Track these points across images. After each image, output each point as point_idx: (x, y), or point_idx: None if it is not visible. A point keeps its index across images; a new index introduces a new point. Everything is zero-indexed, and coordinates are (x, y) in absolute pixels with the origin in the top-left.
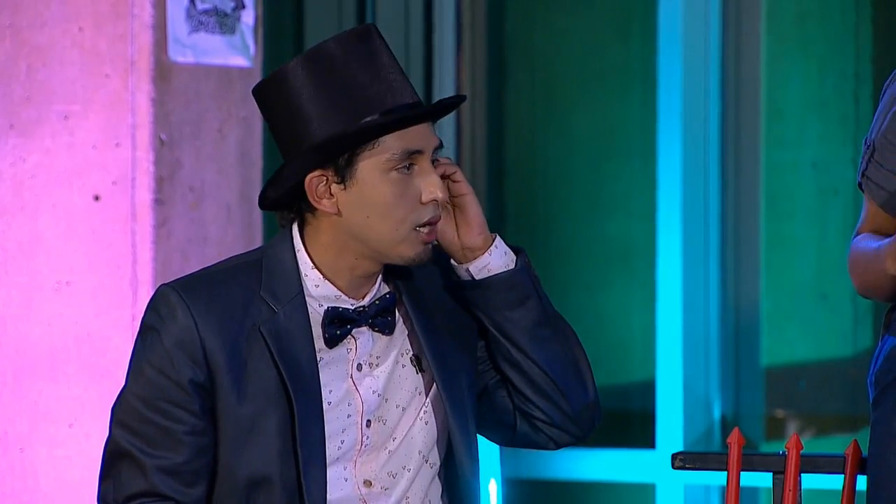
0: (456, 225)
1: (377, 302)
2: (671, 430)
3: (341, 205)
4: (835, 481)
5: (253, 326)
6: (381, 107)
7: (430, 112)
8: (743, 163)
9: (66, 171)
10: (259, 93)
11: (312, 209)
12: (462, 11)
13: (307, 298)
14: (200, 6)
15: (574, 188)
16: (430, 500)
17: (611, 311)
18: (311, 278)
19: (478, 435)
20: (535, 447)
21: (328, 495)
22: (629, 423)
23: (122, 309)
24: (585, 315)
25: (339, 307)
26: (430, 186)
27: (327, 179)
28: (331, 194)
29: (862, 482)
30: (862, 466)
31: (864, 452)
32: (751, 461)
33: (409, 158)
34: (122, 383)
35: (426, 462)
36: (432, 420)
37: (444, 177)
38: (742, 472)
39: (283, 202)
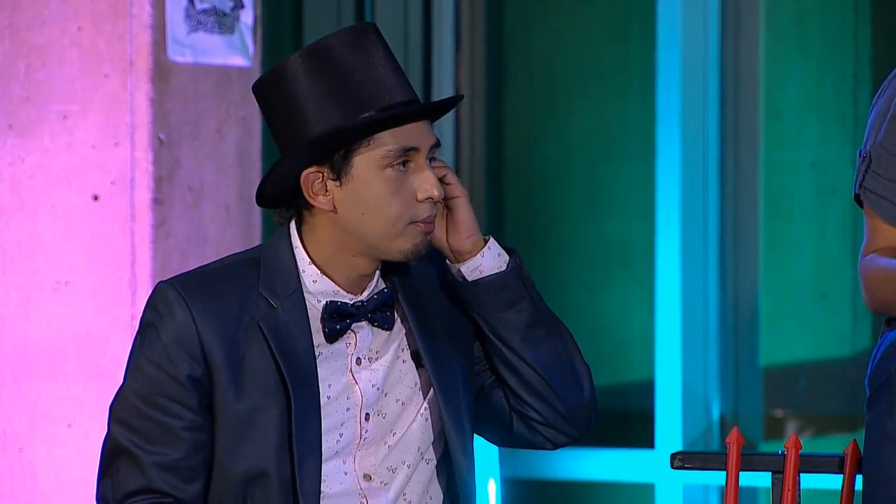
0: (446, 228)
1: (375, 297)
2: (670, 429)
3: (337, 201)
4: (834, 481)
5: (251, 321)
6: (378, 104)
7: (426, 110)
8: (742, 163)
9: (65, 171)
10: (258, 89)
11: (309, 206)
12: (461, 11)
13: (305, 294)
14: (199, 6)
15: (573, 188)
16: (429, 496)
17: (610, 311)
18: (309, 274)
19: (475, 435)
20: (533, 447)
21: (328, 489)
22: (628, 423)
23: (121, 309)
24: (584, 315)
25: (337, 301)
26: (425, 184)
27: (323, 176)
28: (326, 191)
29: (861, 482)
30: (861, 466)
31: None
32: (750, 461)
33: (405, 156)
34: (120, 383)
35: (423, 458)
36: (431, 417)
37: None
38: (741, 472)
39: (281, 199)
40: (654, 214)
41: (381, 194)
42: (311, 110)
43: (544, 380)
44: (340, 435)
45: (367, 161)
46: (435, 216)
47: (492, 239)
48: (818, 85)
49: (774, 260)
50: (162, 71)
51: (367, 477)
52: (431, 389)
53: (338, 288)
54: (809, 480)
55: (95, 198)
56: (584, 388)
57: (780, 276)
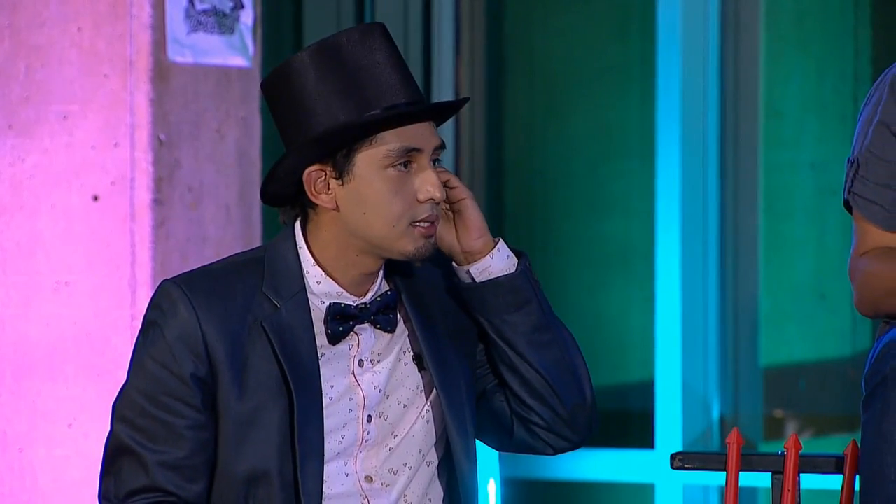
0: (456, 229)
1: (378, 299)
2: (670, 430)
3: (339, 200)
4: (833, 481)
5: (255, 321)
6: (383, 103)
7: (430, 110)
8: (742, 163)
9: (65, 171)
10: (266, 85)
11: (313, 205)
12: (461, 11)
13: (309, 295)
14: (199, 6)
15: (573, 188)
16: (429, 498)
17: (610, 312)
18: (313, 275)
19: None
20: (533, 452)
21: (330, 490)
22: (628, 424)
23: (121, 309)
24: (584, 315)
25: (341, 303)
26: (427, 185)
27: (326, 174)
28: (329, 189)
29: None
30: (858, 466)
31: None
32: (750, 461)
33: (407, 156)
34: (122, 383)
35: (424, 460)
36: (433, 419)
37: None
38: (741, 472)
39: (285, 197)
40: (653, 214)
41: (381, 193)
42: (315, 108)
43: (547, 383)
44: (342, 436)
45: (369, 160)
46: (437, 218)
47: (501, 241)
48: (818, 85)
49: (774, 260)
50: (162, 71)
51: (369, 478)
52: (433, 391)
53: (341, 289)
54: (809, 481)
55: (95, 198)
56: (586, 393)
57: (780, 276)
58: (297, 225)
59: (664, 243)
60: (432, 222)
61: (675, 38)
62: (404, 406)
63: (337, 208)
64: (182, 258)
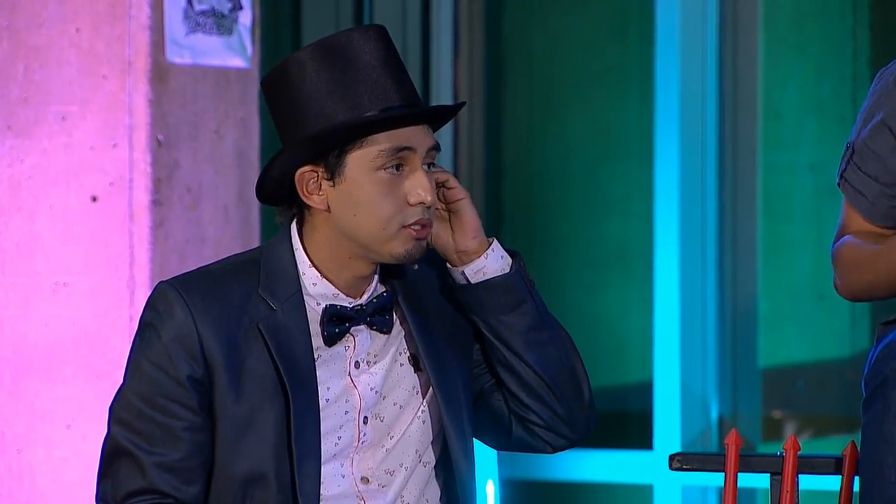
0: (451, 229)
1: (374, 300)
2: (669, 431)
3: (330, 201)
4: (832, 482)
5: (251, 323)
6: (378, 105)
7: (425, 113)
8: (740, 164)
9: (64, 172)
10: (265, 84)
11: (307, 205)
12: (459, 13)
13: (305, 297)
14: (198, 7)
15: (571, 189)
16: (426, 499)
17: (608, 312)
18: (309, 277)
19: (474, 439)
20: (532, 451)
21: (326, 491)
22: (627, 424)
23: (120, 310)
24: (583, 316)
25: (336, 305)
26: (417, 189)
27: (318, 175)
28: (321, 190)
29: (858, 484)
30: (859, 468)
31: None
32: (748, 462)
33: (399, 157)
34: (120, 384)
35: (421, 461)
36: (429, 420)
37: (437, 185)
38: (739, 473)
39: (280, 196)
40: (652, 216)
41: (372, 195)
42: (310, 107)
43: (544, 382)
44: (339, 438)
45: (360, 161)
46: (429, 221)
47: (495, 241)
48: (817, 86)
49: (773, 261)
50: (160, 72)
51: (365, 480)
52: (429, 392)
53: (337, 291)
54: (808, 482)
55: (94, 199)
56: (584, 391)
57: (779, 277)
58: (294, 226)
59: (663, 244)
60: (423, 226)
61: (674, 40)
62: (400, 407)
63: (328, 209)
64: (181, 259)
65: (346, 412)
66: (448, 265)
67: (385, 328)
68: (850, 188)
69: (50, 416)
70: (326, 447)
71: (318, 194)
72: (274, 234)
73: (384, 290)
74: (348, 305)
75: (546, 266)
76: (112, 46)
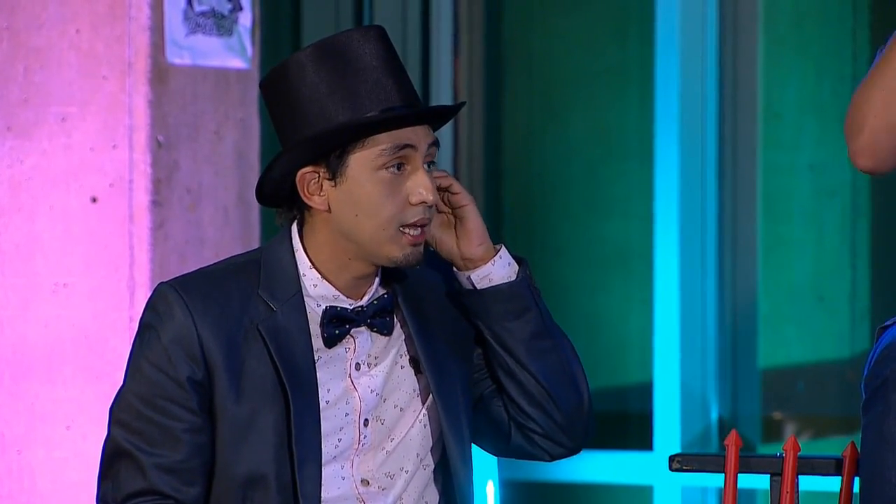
0: (456, 235)
1: (375, 302)
2: (668, 431)
3: (332, 201)
4: (832, 483)
5: (251, 324)
6: (378, 105)
7: (426, 113)
8: (740, 165)
9: (64, 173)
10: (264, 85)
11: (307, 206)
12: (459, 14)
13: (305, 298)
14: (198, 8)
15: (571, 190)
16: (426, 501)
17: (608, 313)
18: (310, 278)
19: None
20: (530, 458)
21: (326, 493)
22: (627, 425)
23: (120, 311)
24: (583, 317)
25: (337, 307)
26: (419, 188)
27: (319, 175)
28: (322, 190)
29: (858, 485)
30: (859, 469)
31: None
32: (748, 463)
33: (400, 156)
34: (120, 385)
35: (421, 464)
36: (430, 423)
37: (441, 189)
38: (739, 474)
39: (280, 197)
40: (652, 216)
41: (373, 195)
42: (310, 108)
43: (545, 390)
44: (339, 440)
45: (362, 161)
46: (428, 221)
47: (503, 247)
48: (817, 87)
49: (773, 262)
50: (160, 73)
51: (365, 482)
52: (430, 395)
53: (337, 293)
54: (808, 482)
55: (94, 200)
56: (584, 401)
57: (779, 277)
58: (294, 227)
59: (663, 245)
60: (422, 228)
61: (674, 40)
62: (401, 410)
63: (329, 210)
64: (180, 260)
65: (347, 414)
66: (454, 269)
67: (385, 330)
68: None
69: (50, 416)
70: (326, 449)
71: (319, 195)
72: (274, 235)
73: (385, 291)
74: (348, 307)
75: (546, 267)
76: (112, 47)
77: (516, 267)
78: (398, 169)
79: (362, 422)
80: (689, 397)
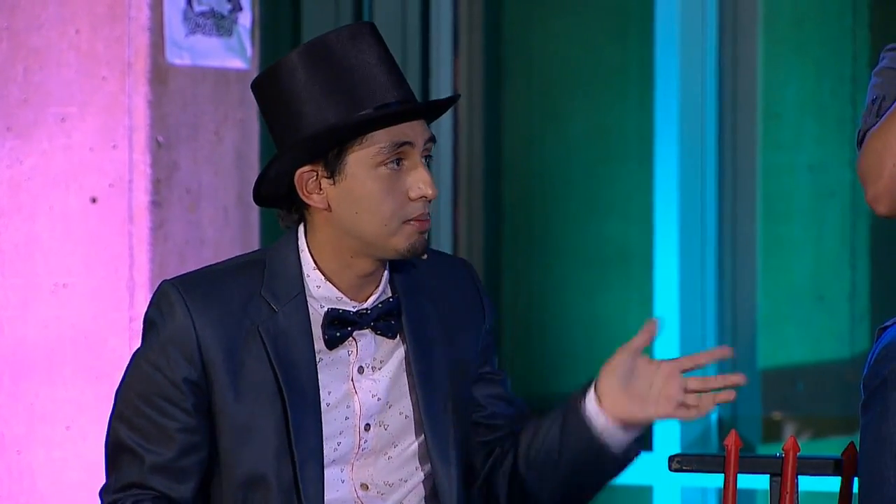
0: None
1: (380, 305)
2: (668, 432)
3: (331, 200)
4: (832, 483)
5: (252, 326)
6: (373, 102)
7: (422, 109)
8: (740, 165)
9: (63, 174)
10: (256, 86)
11: (306, 206)
12: (459, 13)
13: (309, 299)
14: (197, 8)
15: (571, 190)
16: None
17: (608, 313)
18: (313, 279)
19: None
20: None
21: (326, 495)
22: None
23: (119, 311)
24: (583, 317)
25: (338, 309)
26: (419, 183)
27: (317, 174)
28: (320, 189)
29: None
30: (858, 468)
31: None
32: (748, 463)
33: (398, 152)
34: (122, 376)
35: (424, 475)
36: None
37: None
38: (739, 475)
39: (278, 198)
40: (652, 216)
41: (373, 193)
42: (306, 108)
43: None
44: (338, 443)
45: (361, 159)
46: (428, 215)
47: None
48: (816, 87)
49: (772, 262)
50: (160, 73)
51: (364, 486)
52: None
53: (341, 294)
54: (807, 483)
55: (93, 200)
56: None
57: (778, 278)
58: (301, 228)
59: (662, 245)
60: (425, 219)
61: (674, 41)
62: (406, 417)
63: (329, 208)
64: (180, 260)
65: (347, 418)
66: (606, 428)
67: (390, 333)
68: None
69: (49, 417)
70: (326, 451)
71: (318, 193)
72: (274, 235)
73: (391, 295)
74: (351, 309)
75: (545, 267)
76: (111, 48)
77: (639, 451)
78: (397, 164)
79: (363, 426)
80: None
